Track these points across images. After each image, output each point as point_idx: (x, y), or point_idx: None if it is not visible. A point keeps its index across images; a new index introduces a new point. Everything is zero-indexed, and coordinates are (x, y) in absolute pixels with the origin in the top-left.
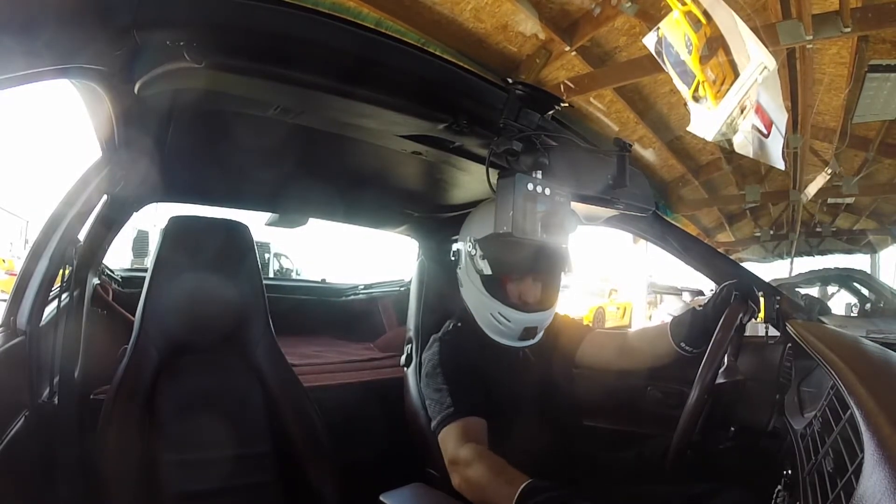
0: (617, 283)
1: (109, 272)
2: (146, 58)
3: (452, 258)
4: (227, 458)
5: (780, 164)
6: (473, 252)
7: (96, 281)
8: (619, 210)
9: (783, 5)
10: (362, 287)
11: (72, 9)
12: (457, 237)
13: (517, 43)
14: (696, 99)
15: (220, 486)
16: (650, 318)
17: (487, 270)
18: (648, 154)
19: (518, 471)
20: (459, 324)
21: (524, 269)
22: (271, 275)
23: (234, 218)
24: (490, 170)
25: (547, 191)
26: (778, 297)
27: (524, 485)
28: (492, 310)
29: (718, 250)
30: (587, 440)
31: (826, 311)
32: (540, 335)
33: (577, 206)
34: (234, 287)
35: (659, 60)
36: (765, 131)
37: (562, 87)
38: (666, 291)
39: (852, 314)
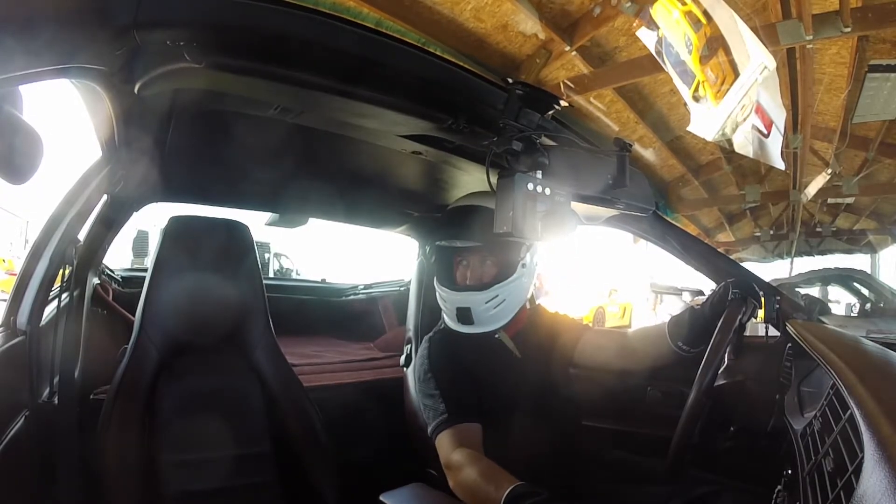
0: (617, 282)
1: (109, 272)
2: (146, 58)
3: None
4: (227, 458)
5: (780, 164)
6: (429, 248)
7: (96, 281)
8: (619, 210)
9: (783, 5)
10: (362, 287)
11: (72, 9)
12: None
13: (517, 43)
14: (696, 99)
15: (220, 486)
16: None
17: (432, 257)
18: (648, 154)
19: (509, 474)
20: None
21: (456, 250)
22: (271, 275)
23: (234, 218)
24: (490, 170)
25: (547, 191)
26: (778, 297)
27: (509, 489)
28: (438, 293)
29: (718, 250)
30: (587, 440)
31: (826, 311)
32: (494, 326)
33: (577, 206)
34: (234, 287)
35: (659, 60)
36: (765, 131)
37: (562, 87)
38: (666, 291)
39: (852, 314)
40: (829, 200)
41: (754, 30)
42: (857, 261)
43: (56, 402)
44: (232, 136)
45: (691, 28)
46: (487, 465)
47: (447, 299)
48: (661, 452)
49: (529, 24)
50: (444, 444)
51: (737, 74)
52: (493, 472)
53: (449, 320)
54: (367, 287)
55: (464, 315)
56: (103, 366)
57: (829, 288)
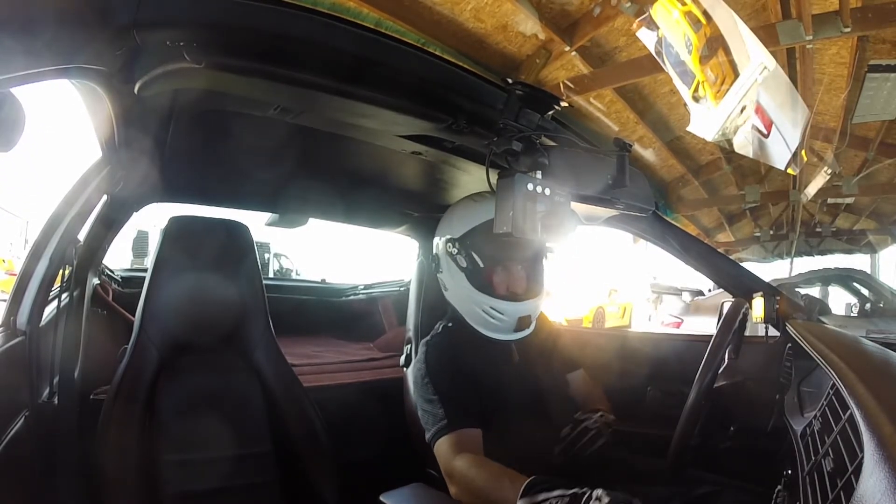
0: (617, 282)
1: (109, 272)
2: (146, 58)
3: (432, 263)
4: (227, 458)
5: (779, 164)
6: (454, 251)
7: (96, 281)
8: (619, 210)
9: (783, 5)
10: (362, 287)
11: (72, 9)
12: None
13: (517, 43)
14: (696, 99)
15: (221, 486)
16: (650, 318)
17: (472, 266)
18: (648, 154)
19: (518, 473)
20: (450, 324)
21: (510, 259)
22: (271, 275)
23: (234, 218)
24: (490, 170)
25: (547, 191)
26: (778, 297)
27: (529, 480)
28: (482, 305)
29: (718, 250)
30: None
31: (826, 311)
32: (533, 325)
33: (577, 206)
34: (234, 287)
35: (659, 60)
36: (765, 131)
37: (562, 87)
38: (666, 291)
39: (852, 314)
40: (829, 200)
41: (754, 30)
42: (857, 261)
43: (56, 402)
44: (232, 136)
45: (691, 28)
46: (496, 466)
47: (506, 311)
48: (661, 452)
49: (529, 25)
50: (444, 451)
51: (737, 74)
52: (503, 473)
53: (493, 331)
54: (367, 287)
55: (524, 323)
56: (103, 366)
57: (829, 288)
